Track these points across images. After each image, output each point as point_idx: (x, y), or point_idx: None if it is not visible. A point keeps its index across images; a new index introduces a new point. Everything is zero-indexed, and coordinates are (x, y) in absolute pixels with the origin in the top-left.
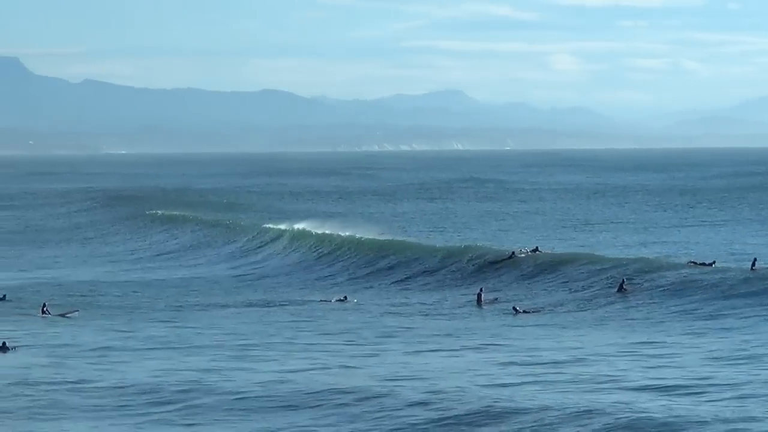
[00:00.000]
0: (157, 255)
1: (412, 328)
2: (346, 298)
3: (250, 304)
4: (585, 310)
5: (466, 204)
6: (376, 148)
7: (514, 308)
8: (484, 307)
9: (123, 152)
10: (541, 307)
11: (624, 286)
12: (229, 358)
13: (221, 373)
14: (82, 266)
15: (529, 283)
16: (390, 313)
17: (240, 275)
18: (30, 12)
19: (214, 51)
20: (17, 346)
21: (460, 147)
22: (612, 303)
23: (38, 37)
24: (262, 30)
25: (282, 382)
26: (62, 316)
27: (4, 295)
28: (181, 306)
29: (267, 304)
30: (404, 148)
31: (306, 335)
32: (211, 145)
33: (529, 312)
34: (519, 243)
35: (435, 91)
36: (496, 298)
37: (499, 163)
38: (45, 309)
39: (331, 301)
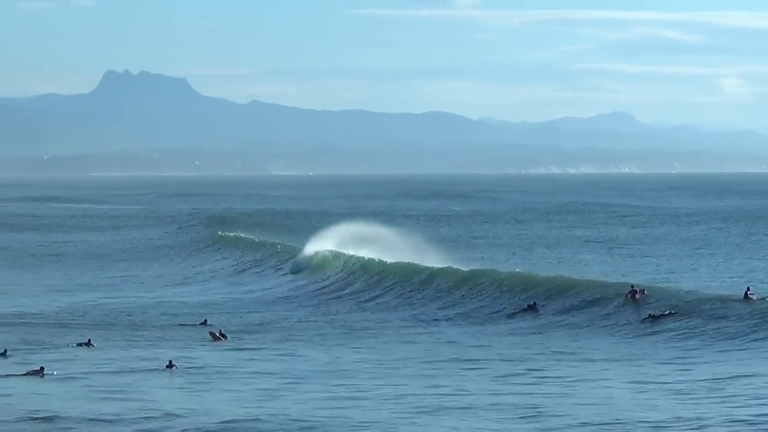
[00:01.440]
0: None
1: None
2: None
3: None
4: None
5: (562, 229)
6: (542, 170)
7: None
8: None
9: (289, 173)
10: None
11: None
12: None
13: None
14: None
15: None
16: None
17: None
18: (198, 34)
19: (382, 73)
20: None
21: (627, 170)
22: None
23: (206, 58)
24: (429, 52)
25: None
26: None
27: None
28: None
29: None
30: (571, 171)
31: None
32: (378, 166)
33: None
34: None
35: (603, 113)
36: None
37: (651, 187)
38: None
39: None
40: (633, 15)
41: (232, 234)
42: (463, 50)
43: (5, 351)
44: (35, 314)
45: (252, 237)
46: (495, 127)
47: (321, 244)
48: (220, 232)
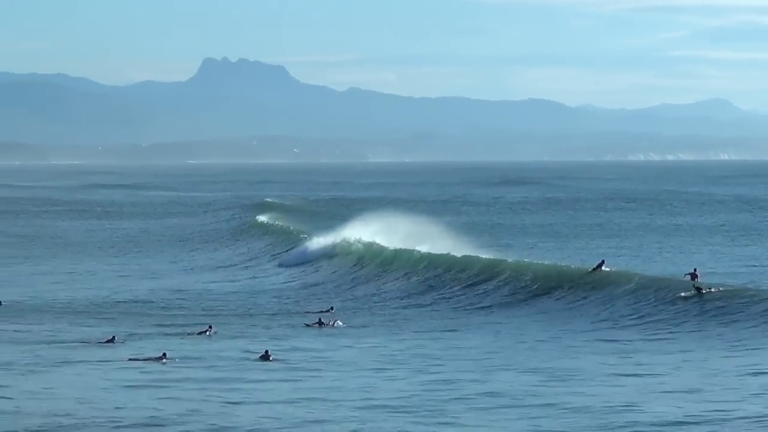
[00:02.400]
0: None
1: None
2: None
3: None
4: None
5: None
6: (641, 157)
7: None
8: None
9: (387, 161)
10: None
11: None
12: None
13: None
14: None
15: None
16: None
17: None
18: (297, 21)
19: (481, 60)
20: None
21: (726, 157)
22: None
23: (305, 45)
24: (528, 39)
25: None
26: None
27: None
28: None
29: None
30: (670, 157)
31: None
32: (477, 153)
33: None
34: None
35: (701, 100)
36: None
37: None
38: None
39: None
40: (731, 1)
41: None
42: (562, 37)
43: (113, 337)
44: (141, 301)
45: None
46: (593, 114)
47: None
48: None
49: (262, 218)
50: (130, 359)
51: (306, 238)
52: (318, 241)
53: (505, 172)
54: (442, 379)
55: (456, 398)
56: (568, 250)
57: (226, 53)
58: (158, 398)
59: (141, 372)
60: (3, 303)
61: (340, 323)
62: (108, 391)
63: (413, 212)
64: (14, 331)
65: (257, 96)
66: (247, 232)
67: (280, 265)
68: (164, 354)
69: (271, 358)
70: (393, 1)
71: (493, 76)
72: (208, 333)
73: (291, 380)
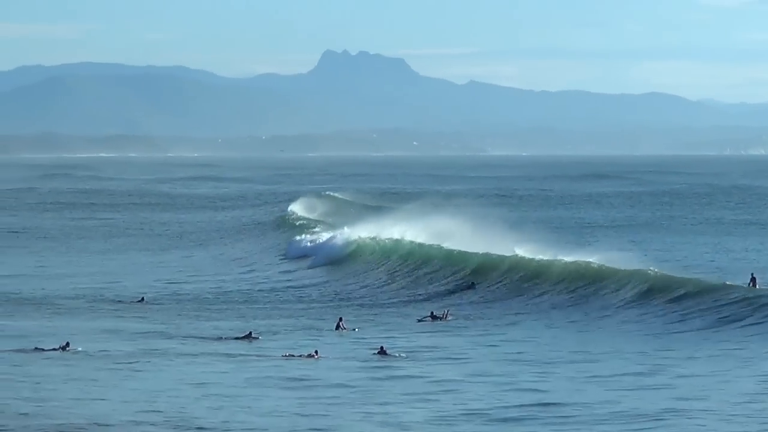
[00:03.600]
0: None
1: None
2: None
3: None
4: None
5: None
6: (762, 152)
7: None
8: None
9: (506, 154)
10: None
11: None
12: None
13: None
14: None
15: None
16: None
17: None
18: (416, 14)
19: (601, 53)
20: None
21: None
22: None
23: (424, 38)
24: (648, 32)
25: None
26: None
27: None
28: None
29: None
30: None
31: None
32: (597, 147)
33: None
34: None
35: None
36: None
37: None
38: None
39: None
40: None
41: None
42: (682, 30)
43: (250, 333)
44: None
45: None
46: (714, 108)
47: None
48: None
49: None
50: (284, 356)
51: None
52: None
53: (618, 166)
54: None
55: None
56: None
57: (347, 46)
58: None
59: (298, 368)
60: (146, 299)
61: (451, 317)
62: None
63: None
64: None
65: (377, 89)
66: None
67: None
68: (316, 351)
69: (387, 353)
70: None
71: (612, 69)
72: (254, 337)
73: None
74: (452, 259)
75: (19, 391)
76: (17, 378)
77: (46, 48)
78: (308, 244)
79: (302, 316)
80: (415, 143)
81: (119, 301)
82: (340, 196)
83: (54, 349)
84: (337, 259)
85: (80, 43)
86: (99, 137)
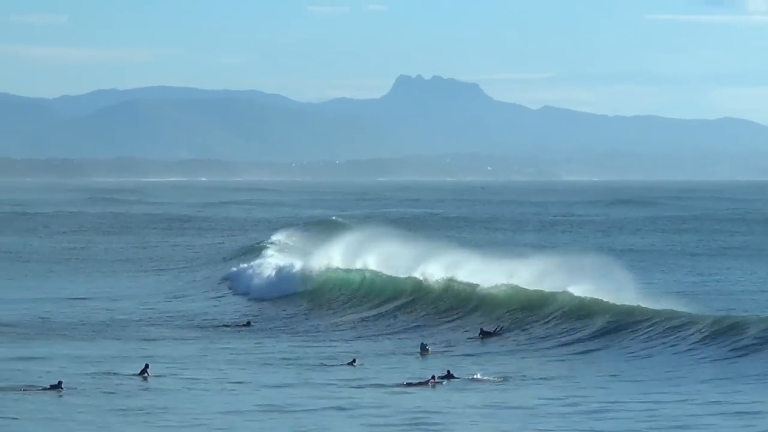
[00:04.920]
0: None
1: None
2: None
3: None
4: None
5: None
6: None
7: None
8: None
9: (580, 179)
10: None
11: None
12: None
13: None
14: None
15: None
16: None
17: None
18: (491, 39)
19: (675, 78)
20: None
21: None
22: None
23: (498, 63)
24: (722, 57)
25: None
26: None
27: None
28: None
29: None
30: None
31: None
32: (672, 172)
33: None
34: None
35: None
36: None
37: None
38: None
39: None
40: None
41: None
42: (756, 56)
43: (353, 360)
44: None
45: None
46: None
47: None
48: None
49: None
50: (407, 383)
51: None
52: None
53: (691, 191)
54: None
55: None
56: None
57: (420, 71)
58: None
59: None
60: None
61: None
62: None
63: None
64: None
65: (451, 113)
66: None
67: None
68: (433, 376)
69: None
70: (588, 18)
71: (687, 94)
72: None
73: None
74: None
75: None
76: None
77: (121, 72)
78: (256, 273)
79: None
80: (489, 168)
81: None
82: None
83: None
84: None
85: (154, 67)
86: (173, 161)
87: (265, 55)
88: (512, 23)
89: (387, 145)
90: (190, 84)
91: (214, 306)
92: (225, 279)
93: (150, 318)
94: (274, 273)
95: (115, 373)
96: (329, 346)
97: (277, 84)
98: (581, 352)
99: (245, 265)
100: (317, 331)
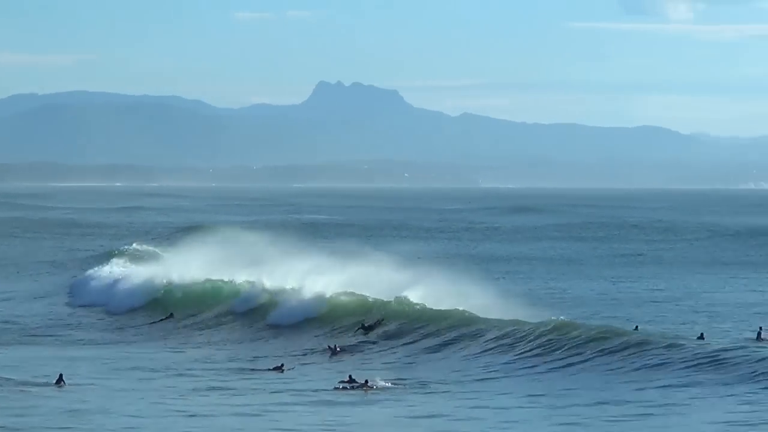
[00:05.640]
0: None
1: None
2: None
3: None
4: None
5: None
6: (752, 186)
7: None
8: None
9: (498, 186)
10: None
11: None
12: None
13: None
14: None
15: None
16: None
17: None
18: (410, 46)
19: (594, 86)
20: None
21: None
22: None
23: (418, 70)
24: (642, 66)
25: None
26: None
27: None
28: None
29: None
30: None
31: None
32: (590, 180)
33: None
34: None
35: None
36: None
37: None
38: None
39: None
40: None
41: None
42: (676, 64)
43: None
44: None
45: None
46: (706, 142)
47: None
48: None
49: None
50: (336, 388)
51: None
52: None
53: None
54: None
55: None
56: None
57: (340, 77)
58: None
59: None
60: None
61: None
62: None
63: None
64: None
65: (370, 120)
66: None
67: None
68: (366, 381)
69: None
70: (508, 27)
71: (606, 102)
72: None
73: None
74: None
75: None
76: None
77: (41, 77)
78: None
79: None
80: (406, 175)
81: None
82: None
83: None
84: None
85: (74, 72)
86: (91, 166)
87: (186, 60)
88: (433, 30)
89: (305, 151)
90: (110, 89)
91: (46, 311)
92: (68, 285)
93: None
94: (112, 281)
95: None
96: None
97: (198, 89)
98: None
99: (91, 272)
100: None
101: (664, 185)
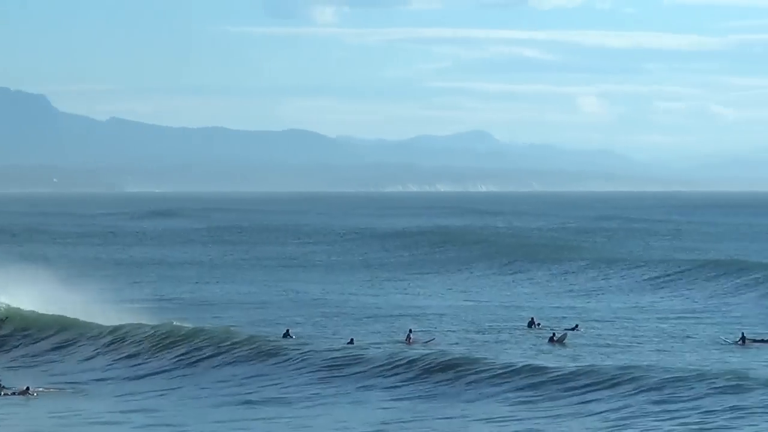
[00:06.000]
0: None
1: None
2: None
3: None
4: None
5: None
6: (400, 188)
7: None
8: None
9: (147, 190)
10: None
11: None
12: None
13: None
14: None
15: None
16: None
17: None
18: (57, 50)
19: (241, 90)
20: None
21: (484, 189)
22: None
23: (66, 75)
24: (289, 69)
25: None
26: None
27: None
28: None
29: None
30: (428, 189)
31: None
32: (237, 183)
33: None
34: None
35: (461, 132)
36: None
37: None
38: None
39: None
40: (490, 34)
41: None
42: (323, 68)
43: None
44: None
45: None
46: (353, 145)
47: None
48: None
49: None
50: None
51: None
52: None
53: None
54: None
55: None
56: None
57: None
58: None
59: None
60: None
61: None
62: None
63: None
64: None
65: (18, 125)
66: None
67: None
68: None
69: None
70: (153, 30)
71: (254, 106)
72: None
73: None
74: None
75: None
76: None
77: None
78: None
79: None
80: (54, 180)
81: None
82: None
83: None
84: None
85: None
86: None
87: None
88: (80, 33)
89: None
90: None
91: None
92: None
93: None
94: None
95: None
96: None
97: None
98: None
99: None
100: None
101: (311, 188)
